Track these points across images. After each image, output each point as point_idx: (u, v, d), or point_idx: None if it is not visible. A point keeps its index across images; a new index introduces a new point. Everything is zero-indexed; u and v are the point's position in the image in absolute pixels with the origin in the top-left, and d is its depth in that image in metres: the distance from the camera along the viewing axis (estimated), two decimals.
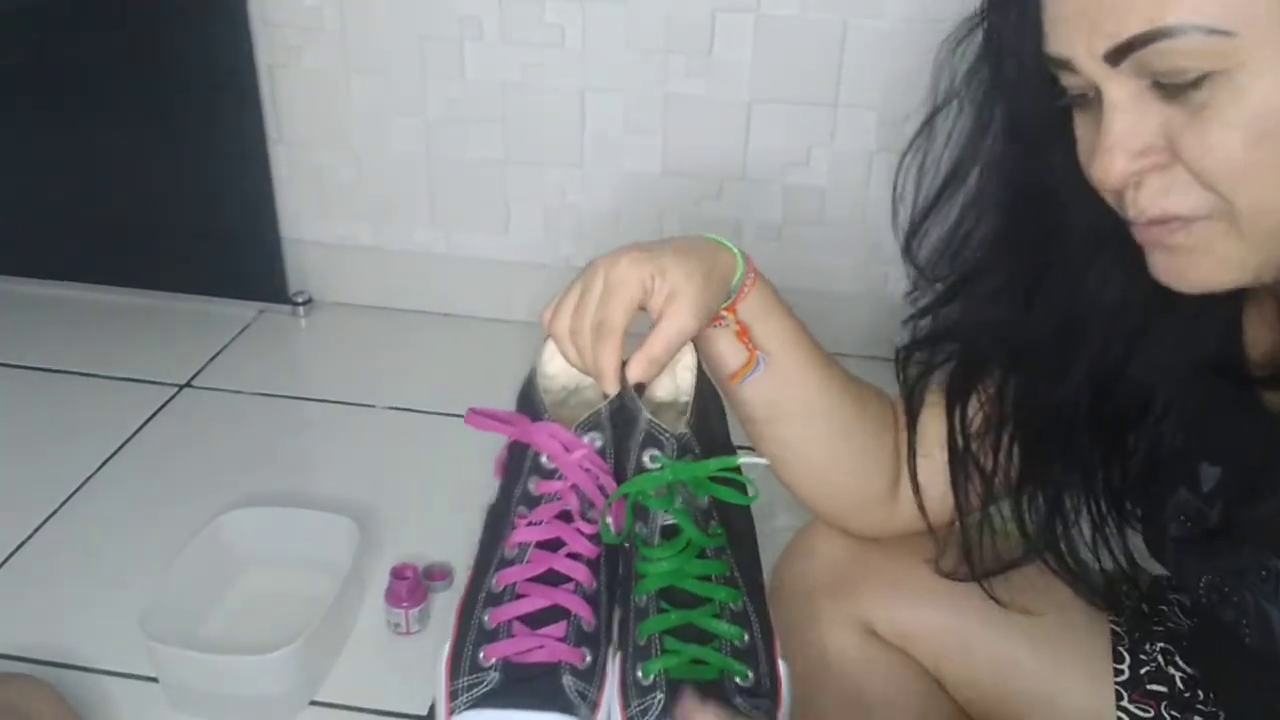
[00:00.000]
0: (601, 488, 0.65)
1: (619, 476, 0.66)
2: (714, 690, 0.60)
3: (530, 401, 0.69)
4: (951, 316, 0.72)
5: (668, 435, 0.64)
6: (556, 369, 0.72)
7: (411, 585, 1.16)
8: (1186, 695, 0.75)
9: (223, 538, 1.19)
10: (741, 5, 1.50)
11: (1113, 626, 0.79)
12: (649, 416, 0.65)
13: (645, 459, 0.64)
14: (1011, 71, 0.60)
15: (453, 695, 0.61)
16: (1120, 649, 0.77)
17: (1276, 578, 0.59)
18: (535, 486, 0.66)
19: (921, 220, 0.69)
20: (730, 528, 0.65)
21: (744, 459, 0.66)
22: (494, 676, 0.60)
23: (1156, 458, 0.69)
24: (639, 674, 0.61)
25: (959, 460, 0.74)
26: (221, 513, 1.20)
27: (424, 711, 1.08)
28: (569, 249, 1.71)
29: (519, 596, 0.63)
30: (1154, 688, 0.75)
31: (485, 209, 1.71)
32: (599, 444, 0.66)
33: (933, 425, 0.76)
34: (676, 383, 0.73)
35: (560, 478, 0.66)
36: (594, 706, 0.61)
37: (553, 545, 0.65)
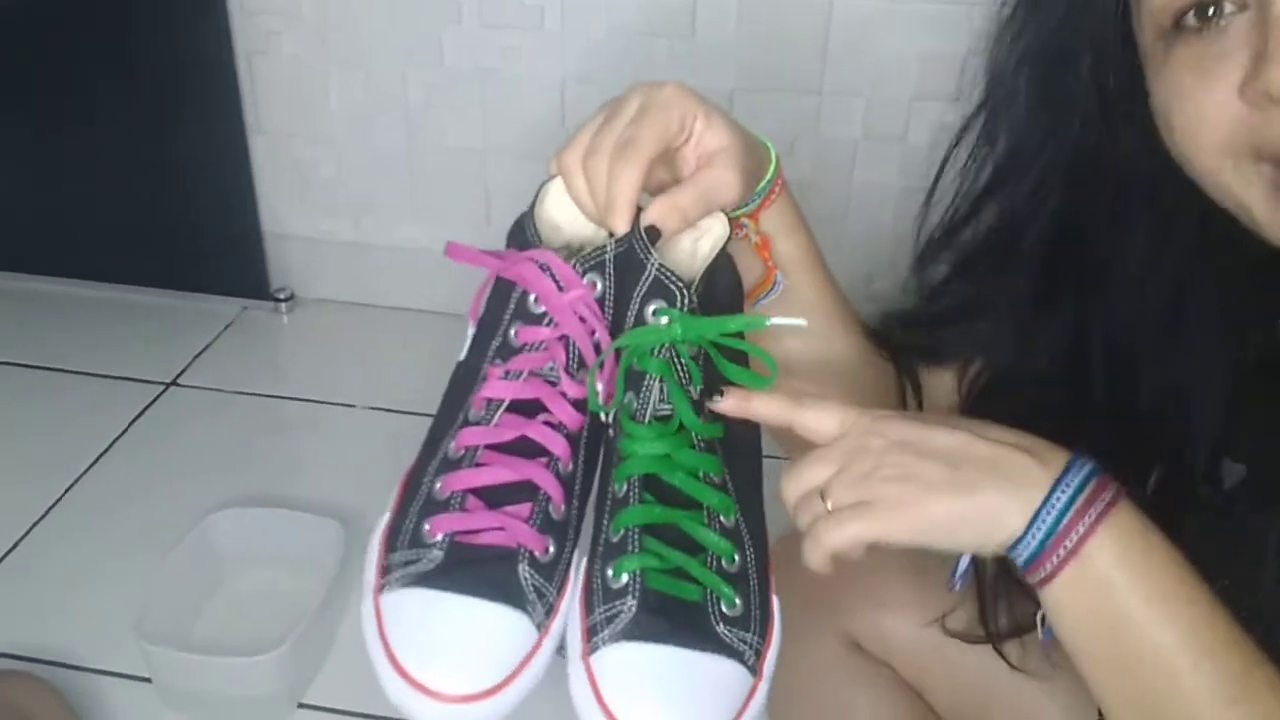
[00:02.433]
0: (597, 344, 0.54)
1: (615, 334, 0.54)
2: (693, 614, 0.50)
3: (521, 242, 0.58)
4: (962, 304, 0.67)
5: (680, 285, 0.52)
6: (560, 216, 0.59)
7: None
8: None
9: (212, 538, 1.19)
10: None
11: None
12: (659, 261, 0.52)
13: (648, 313, 0.53)
14: (1097, 27, 0.55)
15: (385, 570, 0.51)
16: None
17: None
18: (517, 334, 0.55)
19: (963, 224, 0.62)
20: (728, 429, 0.54)
21: (776, 318, 0.55)
22: (437, 555, 0.50)
23: (1178, 459, 0.65)
24: (608, 574, 0.50)
25: None
26: (209, 512, 1.20)
27: None
28: None
29: (479, 465, 0.52)
30: None
31: (466, 200, 1.69)
32: (598, 289, 0.54)
33: (939, 391, 0.72)
34: (695, 253, 0.58)
35: (549, 324, 0.54)
36: (550, 610, 0.51)
37: (529, 409, 0.53)
